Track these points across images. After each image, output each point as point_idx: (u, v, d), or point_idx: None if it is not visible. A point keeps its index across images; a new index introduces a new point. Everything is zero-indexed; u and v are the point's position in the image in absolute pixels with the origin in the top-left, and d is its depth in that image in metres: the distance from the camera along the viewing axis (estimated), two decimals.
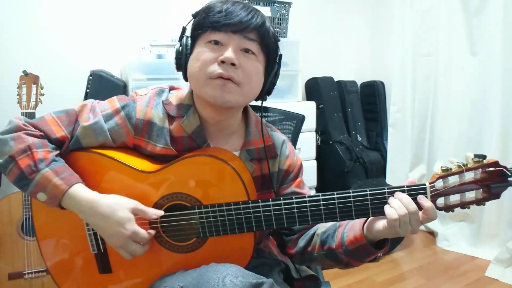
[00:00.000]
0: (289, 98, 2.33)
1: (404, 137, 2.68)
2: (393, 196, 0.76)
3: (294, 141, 1.20)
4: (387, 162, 2.65)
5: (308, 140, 2.32)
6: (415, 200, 0.75)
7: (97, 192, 0.78)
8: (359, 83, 2.87)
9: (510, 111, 2.19)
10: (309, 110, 2.32)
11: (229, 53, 0.78)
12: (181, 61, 0.84)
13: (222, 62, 0.78)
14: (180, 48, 0.84)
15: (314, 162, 2.36)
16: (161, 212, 0.80)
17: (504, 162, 0.75)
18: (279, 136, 0.97)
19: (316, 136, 2.43)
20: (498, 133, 2.22)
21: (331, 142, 2.50)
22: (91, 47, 2.03)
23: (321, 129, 2.52)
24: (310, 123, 2.32)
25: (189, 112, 0.86)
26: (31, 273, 1.56)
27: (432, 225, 2.63)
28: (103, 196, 0.78)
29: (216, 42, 0.80)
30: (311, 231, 0.92)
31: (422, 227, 2.71)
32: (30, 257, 1.56)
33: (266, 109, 1.20)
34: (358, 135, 2.66)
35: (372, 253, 0.82)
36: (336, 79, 2.72)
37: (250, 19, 0.79)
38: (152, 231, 0.79)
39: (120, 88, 1.92)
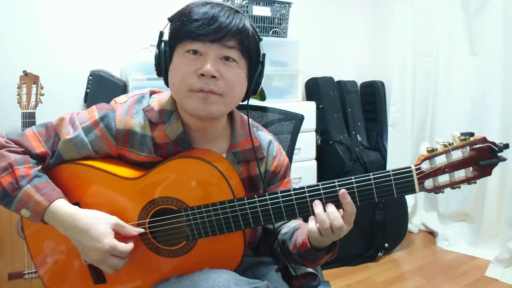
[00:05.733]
0: (289, 98, 2.33)
1: (404, 137, 2.68)
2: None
3: (293, 141, 1.20)
4: (387, 162, 2.65)
5: (308, 140, 2.31)
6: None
7: (78, 207, 0.78)
8: (359, 83, 2.87)
9: (510, 111, 2.19)
10: (309, 110, 2.32)
11: (208, 67, 0.75)
12: (161, 68, 0.81)
13: (202, 75, 0.76)
14: (159, 54, 0.81)
15: (314, 162, 2.36)
16: (140, 230, 0.80)
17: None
18: (265, 136, 0.95)
19: (316, 136, 2.43)
20: (498, 132, 2.22)
21: (331, 142, 2.50)
22: (91, 47, 2.03)
23: (321, 129, 2.52)
24: (310, 123, 2.33)
25: (171, 118, 0.84)
26: (31, 273, 1.55)
27: (432, 225, 2.63)
28: (83, 210, 0.78)
29: (195, 52, 0.77)
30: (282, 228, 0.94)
31: (422, 227, 2.71)
32: (30, 257, 1.56)
33: (265, 109, 1.20)
34: (358, 135, 2.66)
35: (318, 258, 0.83)
36: (336, 79, 2.72)
37: (227, 26, 0.75)
38: (131, 244, 0.78)
39: (120, 88, 1.92)
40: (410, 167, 0.74)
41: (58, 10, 1.95)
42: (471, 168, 0.74)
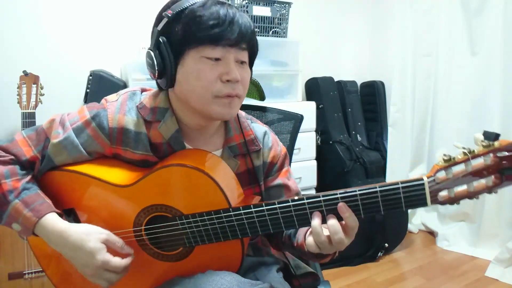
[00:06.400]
0: (289, 98, 2.33)
1: (404, 137, 2.68)
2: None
3: (293, 141, 1.20)
4: (387, 162, 2.65)
5: (308, 140, 2.31)
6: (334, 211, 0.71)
7: (68, 223, 0.75)
8: (359, 83, 2.87)
9: (510, 111, 2.19)
10: (309, 110, 2.32)
11: (235, 73, 0.76)
12: (166, 71, 0.77)
13: (228, 80, 0.76)
14: (160, 55, 0.76)
15: (314, 162, 2.36)
16: (130, 251, 0.78)
17: None
18: (260, 128, 0.93)
19: (316, 136, 2.43)
20: (498, 132, 2.21)
21: (331, 142, 2.50)
22: (91, 47, 2.04)
23: (321, 129, 2.52)
24: (310, 123, 2.33)
25: (166, 116, 0.82)
26: (31, 273, 1.56)
27: (432, 225, 2.63)
28: (73, 226, 0.75)
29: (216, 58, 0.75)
30: None
31: (422, 227, 2.71)
32: (30, 257, 1.56)
33: (264, 109, 1.20)
34: (358, 135, 2.66)
35: (318, 259, 0.83)
36: (336, 79, 2.72)
37: (245, 28, 0.75)
38: (126, 260, 0.76)
39: (120, 88, 1.92)
40: (422, 180, 0.66)
41: (58, 10, 1.95)
42: (492, 176, 0.65)
